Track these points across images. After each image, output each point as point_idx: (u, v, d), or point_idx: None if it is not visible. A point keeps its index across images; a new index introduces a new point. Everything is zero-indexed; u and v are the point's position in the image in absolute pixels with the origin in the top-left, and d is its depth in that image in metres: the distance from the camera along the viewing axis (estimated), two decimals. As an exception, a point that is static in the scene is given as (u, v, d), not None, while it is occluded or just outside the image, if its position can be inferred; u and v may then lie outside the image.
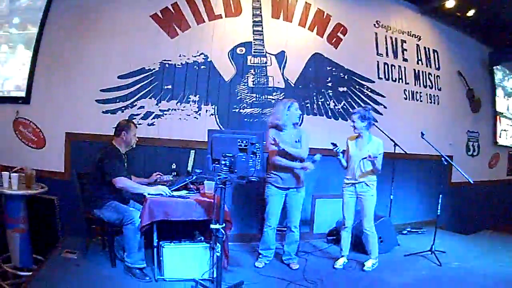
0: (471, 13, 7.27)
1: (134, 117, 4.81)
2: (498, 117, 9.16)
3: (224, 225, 3.38)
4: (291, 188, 4.35)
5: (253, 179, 3.35)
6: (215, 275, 3.46)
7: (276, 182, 4.32)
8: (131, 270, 3.75)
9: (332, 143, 4.37)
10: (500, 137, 9.26)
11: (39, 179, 4.20)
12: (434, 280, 4.45)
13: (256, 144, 3.30)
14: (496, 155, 9.19)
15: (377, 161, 4.30)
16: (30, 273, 3.82)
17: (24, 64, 4.66)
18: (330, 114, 5.75)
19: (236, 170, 3.31)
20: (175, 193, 3.91)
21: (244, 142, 3.30)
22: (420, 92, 6.88)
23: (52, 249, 4.22)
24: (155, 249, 3.83)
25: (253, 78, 5.33)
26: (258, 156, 3.31)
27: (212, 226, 3.33)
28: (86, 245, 4.22)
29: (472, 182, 5.08)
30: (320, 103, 5.71)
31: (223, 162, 3.27)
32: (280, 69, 5.44)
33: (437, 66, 7.22)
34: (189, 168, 4.58)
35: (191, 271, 3.79)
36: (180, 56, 5.04)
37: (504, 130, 9.50)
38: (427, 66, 7.04)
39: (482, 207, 8.87)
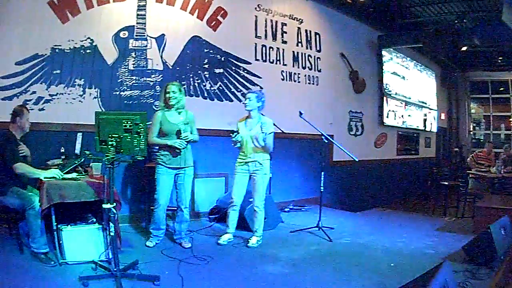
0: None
1: (27, 102, 5.53)
2: (385, 98, 11.37)
3: (115, 204, 3.99)
4: (179, 168, 5.16)
5: (139, 158, 4.04)
6: (110, 256, 4.08)
7: (165, 162, 5.13)
8: (37, 256, 4.31)
9: (232, 131, 5.33)
10: (387, 117, 11.49)
11: None
12: (327, 255, 5.22)
13: (140, 125, 3.90)
14: (383, 135, 11.46)
15: (267, 139, 5.31)
16: None
17: None
18: (206, 95, 7.17)
19: (122, 150, 3.93)
20: (66, 176, 4.56)
21: (129, 123, 3.90)
22: (299, 73, 8.66)
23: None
24: (55, 233, 4.38)
25: (133, 61, 6.40)
26: (142, 136, 3.93)
27: (104, 205, 3.92)
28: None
29: (357, 160, 6.47)
30: (196, 84, 7.05)
31: (110, 143, 3.87)
32: (159, 51, 6.64)
33: (318, 48, 9.09)
34: (77, 151, 5.28)
35: (89, 253, 4.41)
36: (69, 41, 5.89)
37: (392, 111, 11.81)
38: (307, 48, 8.86)
39: (371, 185, 11.01)
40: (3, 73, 5.45)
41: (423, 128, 13.97)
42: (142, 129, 3.94)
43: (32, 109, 5.32)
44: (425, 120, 13.98)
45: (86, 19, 6.05)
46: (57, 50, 5.82)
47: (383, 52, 11.40)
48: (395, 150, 12.46)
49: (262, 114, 5.61)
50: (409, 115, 12.94)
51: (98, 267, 4.16)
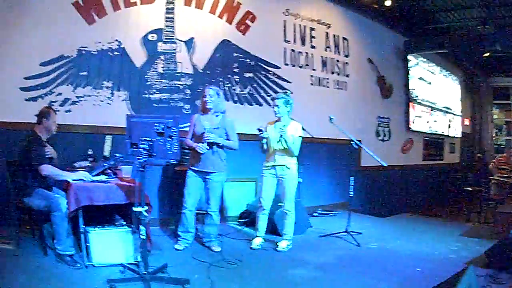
0: (388, 3, 9.18)
1: (53, 104, 5.47)
2: (412, 103, 11.20)
3: (146, 208, 3.96)
4: (206, 172, 5.08)
5: (172, 162, 4.24)
6: (139, 259, 4.05)
7: (192, 165, 5.12)
8: (62, 258, 4.28)
9: (258, 129, 5.23)
10: (413, 123, 11.31)
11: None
12: (355, 259, 5.24)
13: (173, 128, 3.85)
14: (409, 141, 11.28)
15: (292, 142, 5.24)
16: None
17: None
18: (236, 99, 7.14)
19: (154, 154, 3.90)
20: (95, 178, 4.54)
21: (162, 126, 3.87)
22: (327, 78, 8.60)
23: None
24: (82, 235, 4.33)
25: (162, 64, 6.37)
26: (174, 140, 3.87)
27: (134, 209, 3.88)
28: (18, 235, 4.53)
29: (386, 166, 6.33)
30: (226, 88, 6.99)
31: (142, 146, 3.86)
32: (188, 55, 6.60)
33: (346, 53, 9.00)
34: (106, 153, 5.32)
35: (117, 255, 4.37)
36: (96, 43, 5.83)
37: (418, 116, 11.63)
38: (335, 53, 8.79)
39: (398, 191, 10.83)
40: (27, 73, 5.43)
41: (447, 134, 13.74)
42: (175, 132, 3.88)
43: (58, 111, 5.26)
44: (449, 126, 13.75)
45: (113, 21, 6.03)
46: (83, 52, 5.79)
47: (409, 57, 11.23)
48: (421, 156, 12.27)
49: (292, 119, 5.54)
50: (434, 121, 12.73)
51: (126, 270, 4.13)
